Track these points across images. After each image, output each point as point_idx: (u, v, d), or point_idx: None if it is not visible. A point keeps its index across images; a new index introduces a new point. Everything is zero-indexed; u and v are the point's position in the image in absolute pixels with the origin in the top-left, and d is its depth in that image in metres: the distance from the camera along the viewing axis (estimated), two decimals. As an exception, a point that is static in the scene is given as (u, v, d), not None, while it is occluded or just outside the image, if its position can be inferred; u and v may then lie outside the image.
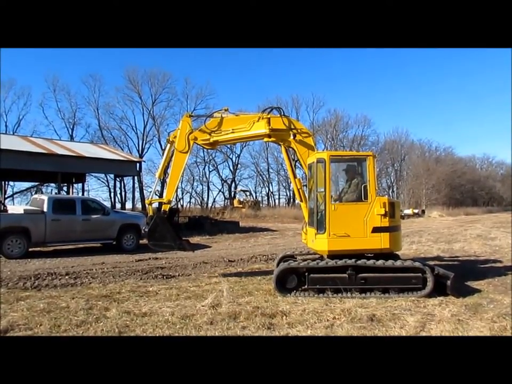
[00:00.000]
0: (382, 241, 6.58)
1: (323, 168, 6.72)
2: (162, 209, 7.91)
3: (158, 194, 26.16)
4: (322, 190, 6.71)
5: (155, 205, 8.27)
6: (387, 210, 6.57)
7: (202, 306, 5.73)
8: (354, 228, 6.60)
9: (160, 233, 7.80)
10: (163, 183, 20.40)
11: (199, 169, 51.55)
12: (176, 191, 47.09)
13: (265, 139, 7.69)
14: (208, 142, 7.89)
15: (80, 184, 26.28)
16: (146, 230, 7.95)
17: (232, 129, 7.66)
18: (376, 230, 6.57)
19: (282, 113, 7.70)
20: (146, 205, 8.60)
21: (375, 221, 6.58)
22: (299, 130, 7.58)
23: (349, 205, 6.79)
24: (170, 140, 8.13)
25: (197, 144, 8.10)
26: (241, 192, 49.02)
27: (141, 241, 12.55)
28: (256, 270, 9.05)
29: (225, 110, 7.92)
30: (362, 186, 6.72)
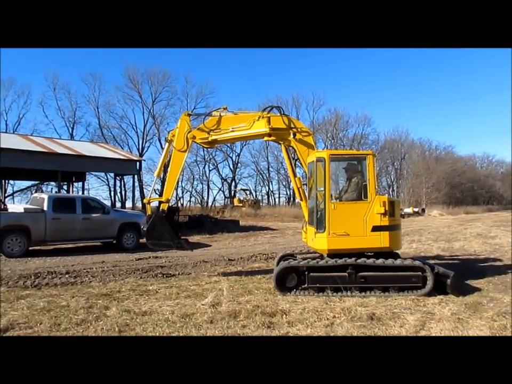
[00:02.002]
0: (381, 240, 6.58)
1: (323, 167, 6.72)
2: (160, 208, 7.90)
3: (158, 193, 26.16)
4: (322, 189, 6.71)
5: (155, 204, 8.26)
6: (387, 209, 6.57)
7: (202, 305, 5.73)
8: (354, 227, 6.60)
9: (158, 232, 7.79)
10: (163, 181, 20.41)
11: (199, 168, 51.59)
12: (176, 190, 47.09)
13: (265, 138, 7.70)
14: (206, 140, 7.88)
15: (80, 183, 26.31)
16: (145, 229, 7.95)
17: (232, 128, 7.65)
18: (376, 228, 6.57)
19: (282, 112, 7.70)
20: (145, 204, 8.58)
21: (375, 220, 6.58)
22: (299, 129, 7.58)
23: (349, 204, 6.78)
24: (169, 138, 8.10)
25: (196, 143, 8.09)
26: (241, 191, 48.98)
27: (141, 240, 12.55)
28: (256, 269, 9.05)
29: (224, 109, 7.90)
30: (362, 185, 6.72)
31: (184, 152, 7.89)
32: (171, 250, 9.85)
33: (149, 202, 8.21)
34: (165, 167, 10.61)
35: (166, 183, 8.15)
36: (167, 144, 8.24)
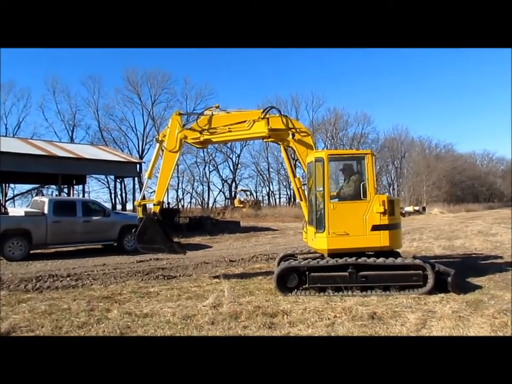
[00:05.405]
0: (381, 239, 6.57)
1: (322, 167, 6.72)
2: (152, 210, 7.81)
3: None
4: (321, 189, 6.71)
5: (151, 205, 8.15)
6: (386, 208, 6.56)
7: (204, 306, 5.74)
8: (353, 226, 6.60)
9: (149, 236, 7.63)
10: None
11: (199, 169, 51.66)
12: (176, 191, 46.85)
13: (265, 139, 7.69)
14: (198, 140, 7.72)
15: (80, 186, 26.33)
16: (136, 232, 7.78)
17: (230, 128, 7.56)
18: (375, 228, 6.56)
19: (280, 113, 7.69)
20: (136, 207, 8.36)
21: (375, 219, 6.58)
22: (298, 130, 7.55)
23: (348, 204, 6.78)
24: (160, 139, 7.91)
25: (187, 143, 7.95)
26: (242, 191, 49.04)
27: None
28: (257, 270, 9.05)
29: (216, 107, 7.75)
30: (361, 184, 6.71)
31: (176, 153, 7.74)
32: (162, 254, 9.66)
33: (140, 205, 8.08)
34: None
35: (157, 185, 7.96)
36: (158, 144, 8.03)
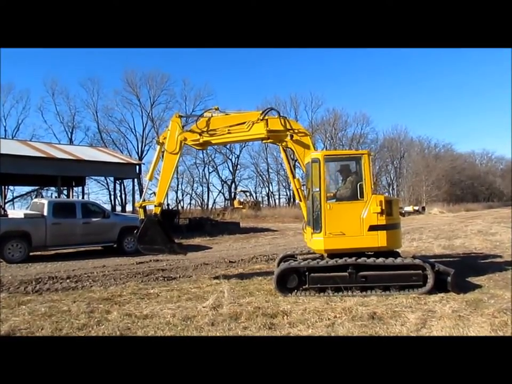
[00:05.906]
0: (379, 239, 6.56)
1: (318, 167, 6.72)
2: (153, 212, 7.85)
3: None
4: (318, 189, 6.71)
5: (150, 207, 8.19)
6: (384, 208, 6.56)
7: (204, 307, 5.74)
8: (350, 227, 6.60)
9: (150, 237, 7.70)
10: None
11: (198, 170, 51.66)
12: (176, 193, 46.86)
13: (264, 140, 7.71)
14: (198, 142, 7.78)
15: (80, 188, 26.33)
16: (137, 233, 7.83)
17: (229, 130, 7.60)
18: (372, 228, 6.55)
19: (279, 114, 7.71)
20: (137, 208, 8.43)
21: (372, 219, 6.57)
22: (296, 131, 7.57)
23: (345, 204, 6.78)
24: (160, 141, 7.99)
25: (187, 145, 8.01)
26: (241, 192, 49.05)
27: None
28: (257, 271, 9.05)
29: (216, 109, 7.80)
30: (358, 184, 6.71)
31: (176, 155, 7.80)
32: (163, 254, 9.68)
33: (141, 206, 8.11)
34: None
35: (158, 186, 8.03)
36: (158, 146, 8.10)
